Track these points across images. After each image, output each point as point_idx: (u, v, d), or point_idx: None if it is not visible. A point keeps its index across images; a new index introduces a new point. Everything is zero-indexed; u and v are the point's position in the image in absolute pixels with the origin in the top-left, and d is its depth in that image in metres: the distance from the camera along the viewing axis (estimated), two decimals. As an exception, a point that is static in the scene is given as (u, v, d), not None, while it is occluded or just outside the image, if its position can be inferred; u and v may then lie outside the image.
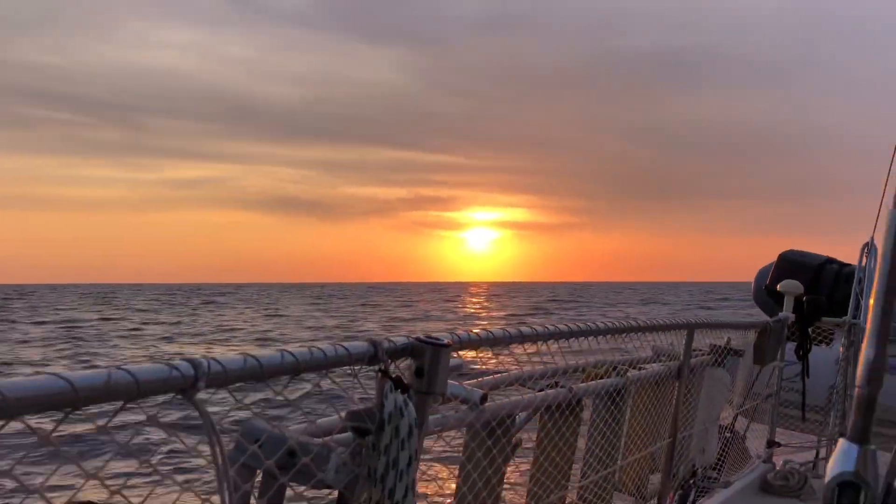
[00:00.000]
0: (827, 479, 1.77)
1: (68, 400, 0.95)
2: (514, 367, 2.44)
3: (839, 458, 1.75)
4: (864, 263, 6.03)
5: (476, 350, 1.94)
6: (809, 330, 5.37)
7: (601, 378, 2.91)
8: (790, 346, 5.50)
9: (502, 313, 55.83)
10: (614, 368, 3.00)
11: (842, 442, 1.78)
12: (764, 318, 6.62)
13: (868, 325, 1.58)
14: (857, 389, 1.64)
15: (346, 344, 1.46)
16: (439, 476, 5.45)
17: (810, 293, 5.52)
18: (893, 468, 1.86)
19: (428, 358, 1.59)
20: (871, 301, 1.57)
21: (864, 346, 1.67)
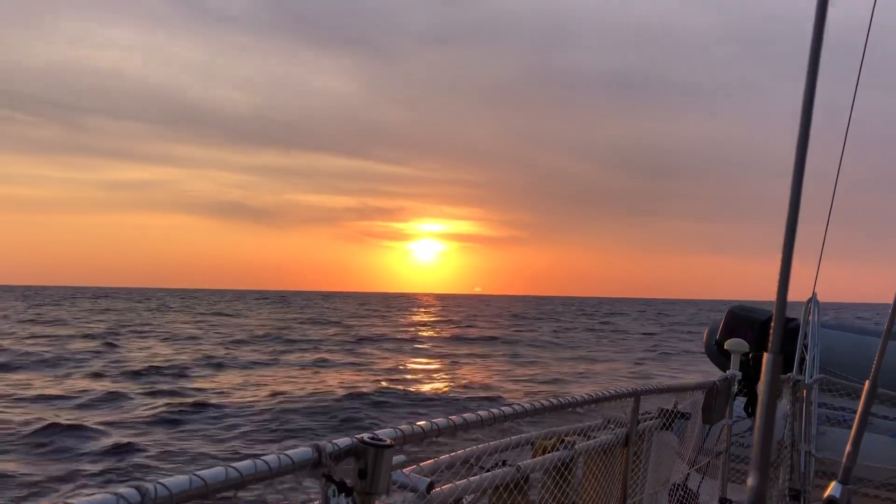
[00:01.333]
0: None
1: None
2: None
3: None
4: (808, 318, 6.26)
5: (421, 442, 2.00)
6: (757, 386, 5.54)
7: (549, 451, 2.99)
8: (739, 402, 5.67)
9: (448, 332, 55.19)
10: (561, 441, 3.08)
11: None
12: (716, 371, 6.80)
13: (752, 456, 1.70)
14: None
15: (289, 452, 1.52)
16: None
17: (757, 349, 5.71)
18: None
19: (371, 459, 1.66)
20: (755, 434, 1.69)
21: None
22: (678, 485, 4.63)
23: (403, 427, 1.88)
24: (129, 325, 53.52)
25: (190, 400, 20.16)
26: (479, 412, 2.20)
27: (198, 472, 1.32)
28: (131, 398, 20.56)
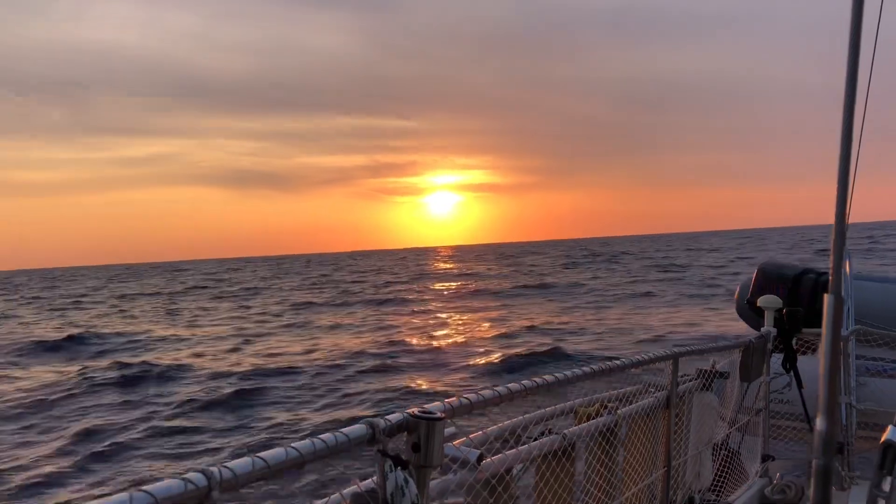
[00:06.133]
0: None
1: None
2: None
3: None
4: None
5: (470, 413, 2.02)
6: (793, 341, 5.50)
7: (592, 417, 2.99)
8: (776, 359, 5.62)
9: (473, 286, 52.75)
10: (604, 406, 3.08)
11: None
12: (748, 330, 6.75)
13: (819, 400, 1.68)
14: (813, 461, 1.73)
15: (344, 430, 1.54)
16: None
17: (790, 305, 5.66)
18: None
19: (423, 432, 1.67)
20: (820, 373, 1.67)
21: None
22: (720, 444, 4.62)
23: (451, 400, 1.89)
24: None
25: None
26: (523, 382, 2.21)
27: (259, 454, 1.34)
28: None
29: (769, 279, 6.66)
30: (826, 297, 1.74)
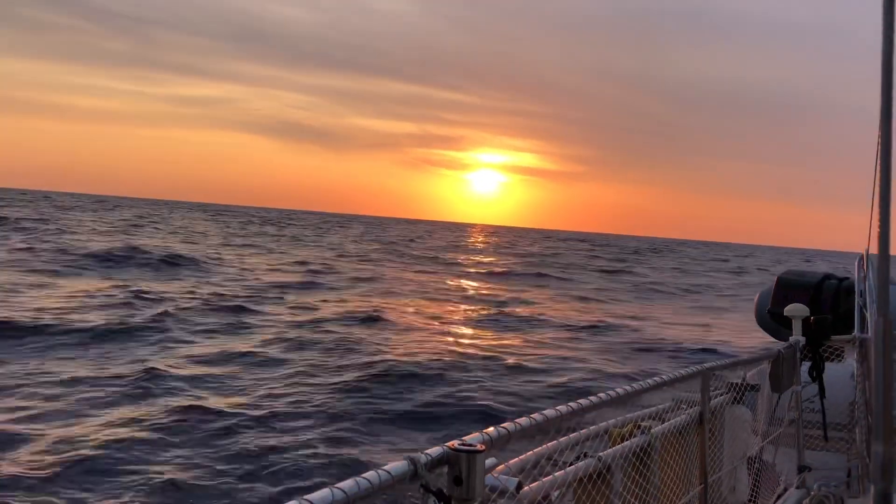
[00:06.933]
0: None
1: None
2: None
3: None
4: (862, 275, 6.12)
5: (507, 444, 2.01)
6: (820, 349, 5.44)
7: (626, 438, 2.97)
8: (804, 367, 5.56)
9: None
10: (637, 426, 3.06)
11: None
12: (769, 339, 6.68)
13: (874, 422, 1.66)
14: (871, 487, 1.71)
15: (386, 467, 1.55)
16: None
17: (814, 312, 5.60)
18: None
19: (464, 465, 1.67)
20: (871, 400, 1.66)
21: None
22: (754, 457, 4.57)
23: (490, 430, 1.89)
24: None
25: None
26: (558, 407, 2.20)
27: (307, 497, 1.34)
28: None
29: (790, 287, 6.59)
30: (870, 318, 1.72)
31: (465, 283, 38.27)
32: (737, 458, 4.02)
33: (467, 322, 23.82)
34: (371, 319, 21.50)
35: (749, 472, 4.38)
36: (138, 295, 22.35)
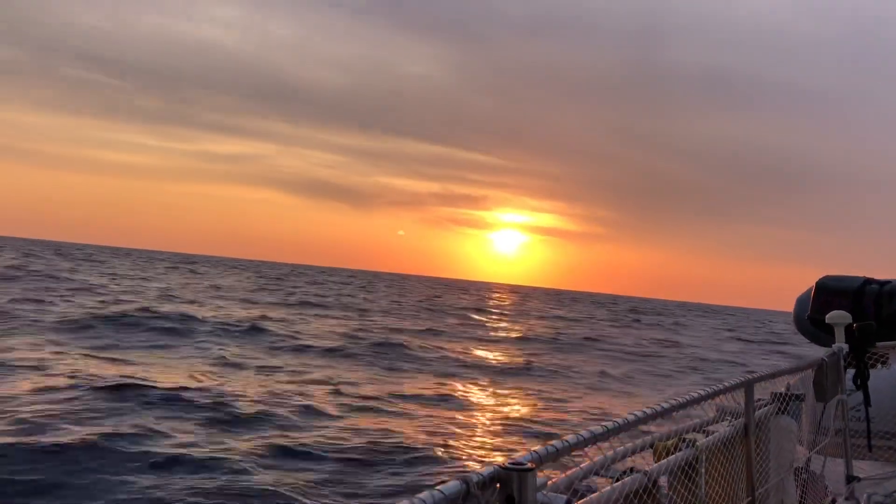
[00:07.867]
0: None
1: None
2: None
3: None
4: None
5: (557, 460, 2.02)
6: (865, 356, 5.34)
7: (671, 452, 2.95)
8: (848, 375, 5.45)
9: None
10: (682, 439, 3.03)
11: None
12: (807, 343, 6.57)
13: None
14: None
15: (440, 488, 1.56)
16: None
17: (855, 318, 5.50)
18: None
19: (515, 484, 1.68)
20: None
21: None
22: (801, 468, 4.49)
23: (538, 448, 1.90)
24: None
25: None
26: (604, 423, 2.20)
27: None
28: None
29: (830, 293, 6.46)
30: None
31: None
32: (784, 469, 3.96)
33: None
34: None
35: (796, 484, 4.31)
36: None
